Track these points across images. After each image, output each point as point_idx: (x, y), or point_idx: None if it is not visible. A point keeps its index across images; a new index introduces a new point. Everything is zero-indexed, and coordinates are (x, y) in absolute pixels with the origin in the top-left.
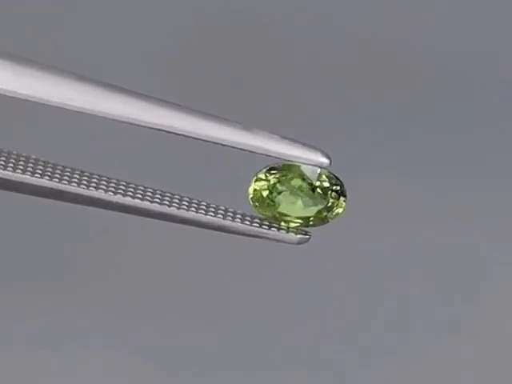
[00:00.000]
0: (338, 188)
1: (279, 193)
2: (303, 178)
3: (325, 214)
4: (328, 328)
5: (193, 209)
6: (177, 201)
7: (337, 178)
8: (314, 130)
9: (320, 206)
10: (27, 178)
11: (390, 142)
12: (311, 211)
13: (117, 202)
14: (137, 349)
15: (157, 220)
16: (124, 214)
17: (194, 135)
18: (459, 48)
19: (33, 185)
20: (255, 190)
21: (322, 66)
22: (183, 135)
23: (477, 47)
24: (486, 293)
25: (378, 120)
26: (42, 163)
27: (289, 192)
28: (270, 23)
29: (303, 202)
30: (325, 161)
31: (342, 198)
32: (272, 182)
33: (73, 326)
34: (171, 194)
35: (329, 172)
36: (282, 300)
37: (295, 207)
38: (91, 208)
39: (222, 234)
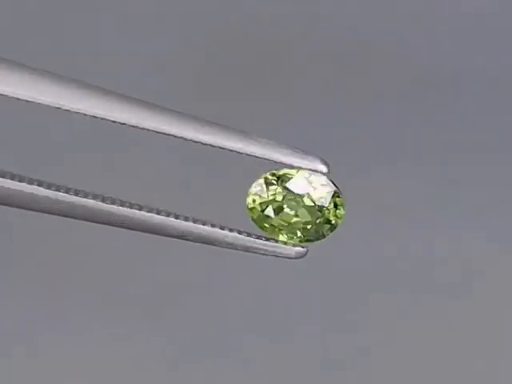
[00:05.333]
0: (337, 200)
1: (279, 207)
2: (302, 189)
3: (322, 225)
4: (328, 329)
5: (190, 223)
6: (172, 217)
7: (336, 188)
8: (314, 131)
9: (318, 219)
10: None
11: (390, 142)
12: (309, 222)
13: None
14: (148, 342)
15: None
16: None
17: (193, 139)
18: (460, 47)
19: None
20: (253, 200)
21: (323, 66)
22: (183, 138)
23: (477, 47)
24: (485, 293)
25: (377, 121)
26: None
27: (287, 205)
28: (270, 24)
29: (301, 213)
30: (323, 168)
31: (339, 212)
32: (271, 194)
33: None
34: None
35: (329, 181)
36: (282, 301)
37: (294, 217)
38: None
39: (220, 248)
